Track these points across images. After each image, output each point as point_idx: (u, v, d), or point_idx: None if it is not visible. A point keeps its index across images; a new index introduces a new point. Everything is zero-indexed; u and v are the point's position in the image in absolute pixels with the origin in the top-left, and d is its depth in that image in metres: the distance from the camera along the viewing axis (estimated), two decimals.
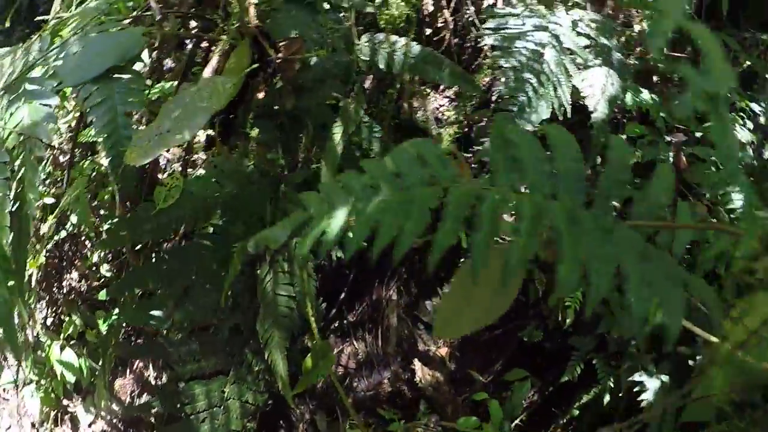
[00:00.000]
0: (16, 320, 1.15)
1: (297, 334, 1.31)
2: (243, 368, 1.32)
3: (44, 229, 1.66)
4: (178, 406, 1.25)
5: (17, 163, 1.07)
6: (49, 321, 1.98)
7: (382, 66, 1.31)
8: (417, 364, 1.49)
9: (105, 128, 1.01)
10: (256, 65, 1.32)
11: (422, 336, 1.55)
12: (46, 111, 1.08)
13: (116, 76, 1.08)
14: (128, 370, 1.83)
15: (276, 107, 1.45)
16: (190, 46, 2.13)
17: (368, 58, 1.34)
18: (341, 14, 1.42)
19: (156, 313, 1.28)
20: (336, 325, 1.61)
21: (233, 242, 1.29)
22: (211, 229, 1.27)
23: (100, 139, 1.02)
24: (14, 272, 1.03)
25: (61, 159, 1.63)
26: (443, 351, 1.52)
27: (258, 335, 1.24)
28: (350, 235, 0.50)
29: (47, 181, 1.69)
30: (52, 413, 1.95)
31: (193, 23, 1.86)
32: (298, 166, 1.41)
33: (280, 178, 1.34)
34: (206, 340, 1.34)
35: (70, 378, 1.84)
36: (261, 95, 1.46)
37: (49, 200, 1.67)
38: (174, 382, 1.30)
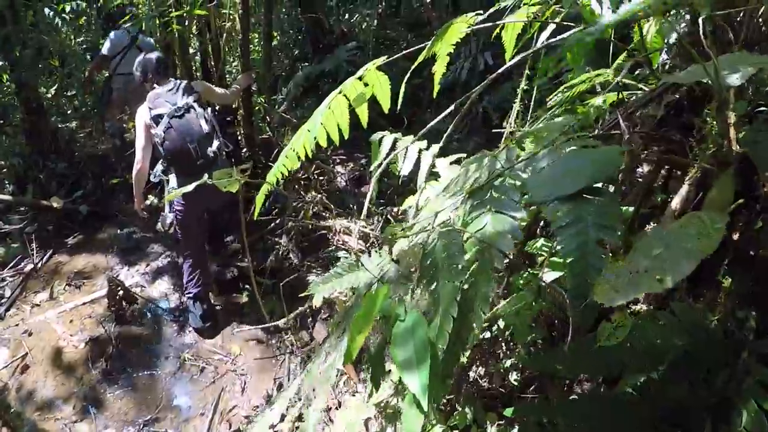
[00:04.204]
0: None
1: None
2: None
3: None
4: None
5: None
6: (443, 401, 2.09)
7: None
8: None
9: (573, 253, 0.91)
10: (740, 201, 1.12)
11: None
12: (511, 223, 1.02)
13: (588, 197, 0.97)
14: None
15: (752, 253, 1.20)
16: (641, 170, 2.02)
17: None
18: None
19: None
20: None
21: (666, 404, 1.09)
22: (641, 380, 1.09)
23: (565, 262, 0.97)
24: (441, 376, 0.99)
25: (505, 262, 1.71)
26: None
27: None
28: None
29: None
30: None
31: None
32: None
33: (745, 343, 1.07)
34: None
35: None
36: (735, 236, 1.23)
37: None
38: None
